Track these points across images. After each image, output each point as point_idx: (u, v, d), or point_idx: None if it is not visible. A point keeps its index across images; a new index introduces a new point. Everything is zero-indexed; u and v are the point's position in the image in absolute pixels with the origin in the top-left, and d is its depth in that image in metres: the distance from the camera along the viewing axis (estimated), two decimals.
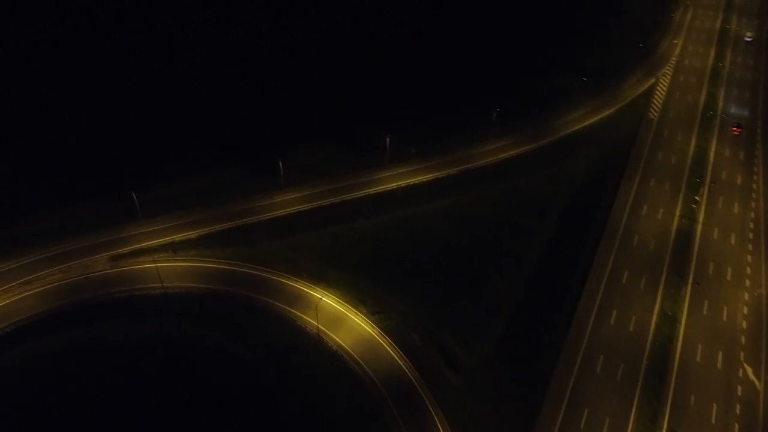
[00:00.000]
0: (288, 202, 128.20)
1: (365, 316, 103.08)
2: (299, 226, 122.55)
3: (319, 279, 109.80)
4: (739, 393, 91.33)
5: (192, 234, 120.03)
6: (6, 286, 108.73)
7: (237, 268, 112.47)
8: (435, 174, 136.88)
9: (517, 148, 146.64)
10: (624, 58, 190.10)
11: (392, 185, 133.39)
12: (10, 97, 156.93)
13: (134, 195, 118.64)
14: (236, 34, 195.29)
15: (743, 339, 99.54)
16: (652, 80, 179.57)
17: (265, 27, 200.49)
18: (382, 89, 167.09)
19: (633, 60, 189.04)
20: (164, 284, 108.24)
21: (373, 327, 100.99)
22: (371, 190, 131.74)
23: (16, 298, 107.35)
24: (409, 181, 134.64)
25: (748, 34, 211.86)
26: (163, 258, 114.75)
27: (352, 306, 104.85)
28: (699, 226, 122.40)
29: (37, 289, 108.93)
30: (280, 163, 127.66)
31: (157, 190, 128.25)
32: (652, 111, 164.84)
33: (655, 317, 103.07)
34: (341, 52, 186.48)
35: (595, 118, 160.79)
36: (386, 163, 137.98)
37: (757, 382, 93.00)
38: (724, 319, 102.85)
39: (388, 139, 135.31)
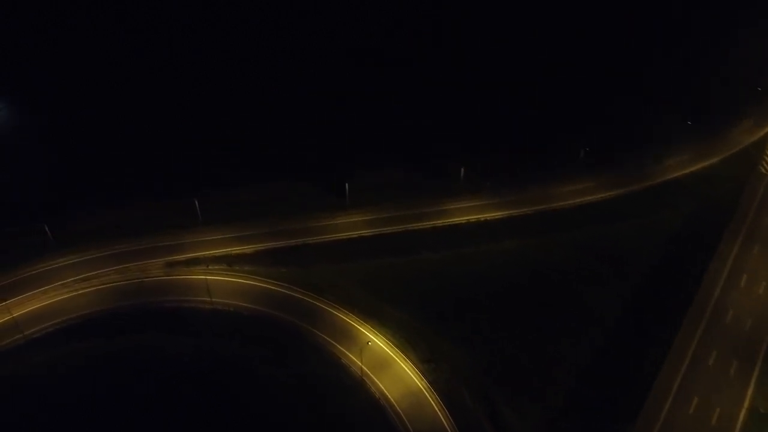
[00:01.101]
0: (350, 225, 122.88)
1: (414, 363, 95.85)
2: (358, 253, 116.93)
3: (371, 314, 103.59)
4: None
5: (248, 249, 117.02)
6: (64, 281, 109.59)
7: (288, 292, 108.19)
8: (509, 211, 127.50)
9: (604, 191, 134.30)
10: (735, 99, 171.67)
11: (462, 218, 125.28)
12: (81, 95, 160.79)
13: (197, 202, 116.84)
14: (311, 50, 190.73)
15: None
16: None
17: (337, 44, 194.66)
18: (463, 111, 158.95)
19: (746, 103, 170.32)
20: (213, 299, 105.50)
21: (422, 378, 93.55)
22: (439, 222, 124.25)
23: (73, 294, 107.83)
24: (480, 216, 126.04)
25: None
26: (216, 270, 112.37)
27: (401, 350, 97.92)
28: None
29: (94, 288, 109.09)
30: (347, 185, 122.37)
31: (217, 198, 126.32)
32: (765, 165, 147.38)
33: (743, 413, 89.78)
34: (423, 71, 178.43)
35: (697, 166, 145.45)
36: (458, 194, 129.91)
37: None
38: None
39: (462, 169, 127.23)
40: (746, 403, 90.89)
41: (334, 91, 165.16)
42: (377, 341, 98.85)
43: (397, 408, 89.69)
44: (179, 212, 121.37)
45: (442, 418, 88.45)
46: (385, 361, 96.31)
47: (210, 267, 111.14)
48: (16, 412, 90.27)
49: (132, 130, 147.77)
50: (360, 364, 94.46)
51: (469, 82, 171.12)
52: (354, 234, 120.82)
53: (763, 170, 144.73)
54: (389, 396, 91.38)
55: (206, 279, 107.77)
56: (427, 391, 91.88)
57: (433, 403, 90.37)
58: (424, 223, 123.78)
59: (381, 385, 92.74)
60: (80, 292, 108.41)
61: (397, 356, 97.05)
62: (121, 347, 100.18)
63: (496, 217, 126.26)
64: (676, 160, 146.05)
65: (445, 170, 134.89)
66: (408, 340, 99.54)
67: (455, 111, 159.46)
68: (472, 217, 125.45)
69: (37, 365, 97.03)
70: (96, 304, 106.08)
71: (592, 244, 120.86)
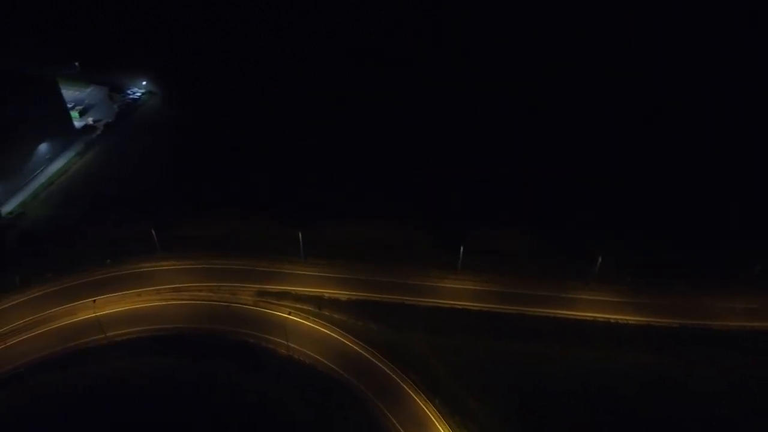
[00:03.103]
0: (457, 293, 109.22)
1: None
2: (458, 327, 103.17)
3: (455, 409, 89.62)
4: None
5: (343, 294, 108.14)
6: (157, 287, 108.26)
7: (370, 357, 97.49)
8: (648, 318, 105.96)
9: None
10: None
11: (588, 314, 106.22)
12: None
13: (300, 235, 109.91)
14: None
15: None
16: None
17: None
18: (608, 181, 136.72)
19: None
20: (291, 344, 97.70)
21: None
22: (560, 312, 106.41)
23: (162, 303, 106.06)
24: (611, 316, 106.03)
25: None
26: (304, 311, 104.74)
27: None
28: None
29: (183, 301, 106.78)
30: (462, 247, 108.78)
31: (325, 229, 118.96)
32: None
33: None
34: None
35: None
36: (590, 283, 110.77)
37: None
38: None
39: (600, 258, 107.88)
40: None
41: (473, 137, 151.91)
42: None
43: None
44: (285, 239, 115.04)
45: None
46: None
47: (295, 309, 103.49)
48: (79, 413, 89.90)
49: (265, 149, 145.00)
50: None
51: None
52: (458, 304, 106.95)
53: None
54: None
55: (288, 317, 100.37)
56: None
57: None
58: (543, 310, 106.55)
59: None
60: (170, 302, 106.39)
61: None
62: (192, 371, 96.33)
63: (631, 321, 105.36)
64: None
65: (579, 249, 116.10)
66: None
67: (605, 184, 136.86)
68: (601, 316, 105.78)
69: (110, 370, 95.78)
70: (181, 319, 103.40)
71: (752, 383, 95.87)
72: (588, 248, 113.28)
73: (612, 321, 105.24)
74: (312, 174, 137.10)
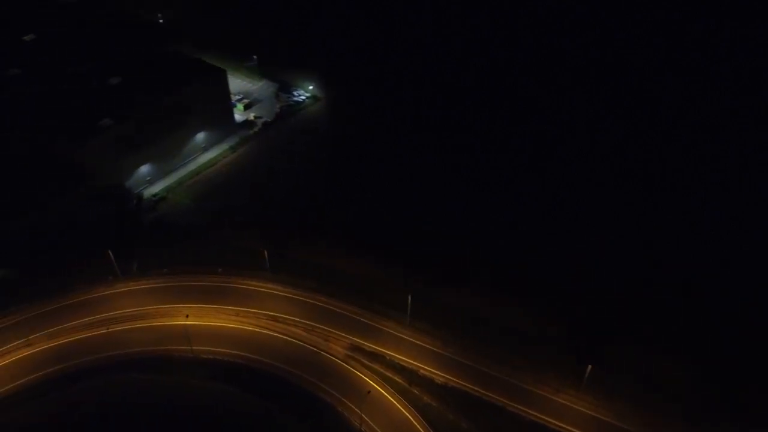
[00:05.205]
0: (573, 415, 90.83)
1: None
2: None
3: None
4: None
5: (439, 375, 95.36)
6: (256, 310, 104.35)
7: None
8: None
9: None
10: None
11: None
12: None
13: (410, 298, 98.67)
14: None
15: None
16: None
17: None
18: None
19: None
20: (363, 415, 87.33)
21: None
22: None
23: (257, 330, 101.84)
24: None
25: None
26: (392, 381, 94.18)
27: None
28: None
29: (276, 332, 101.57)
30: (589, 366, 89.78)
31: (441, 293, 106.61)
32: None
33: None
34: None
35: None
36: None
37: None
38: None
39: None
40: None
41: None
42: None
43: None
44: (395, 290, 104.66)
45: None
46: None
47: (384, 377, 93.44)
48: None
49: (412, 183, 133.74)
50: None
51: None
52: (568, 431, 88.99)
53: None
54: None
55: (369, 393, 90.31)
56: None
57: None
58: None
59: None
60: (263, 331, 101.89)
61: None
62: (254, 406, 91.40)
63: None
64: None
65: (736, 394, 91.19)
66: None
67: None
68: None
69: (181, 386, 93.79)
70: (268, 352, 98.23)
71: None
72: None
73: None
74: (450, 229, 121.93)
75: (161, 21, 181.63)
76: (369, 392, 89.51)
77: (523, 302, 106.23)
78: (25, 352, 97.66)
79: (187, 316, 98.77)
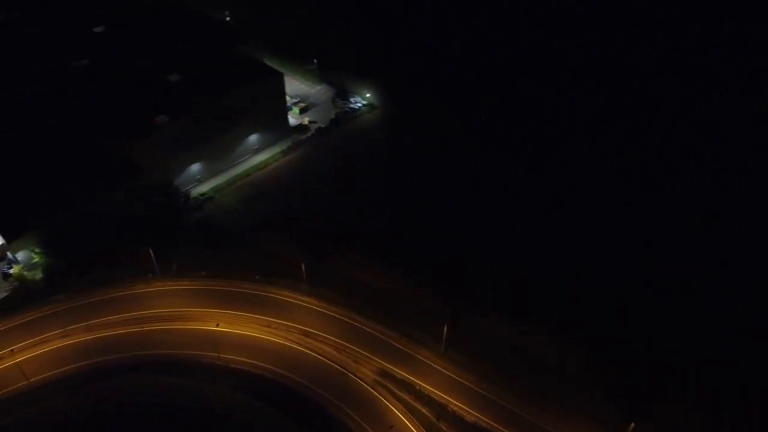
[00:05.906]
0: None
1: None
2: None
3: None
4: None
5: (469, 413, 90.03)
6: (288, 322, 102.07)
7: None
8: None
9: None
10: None
11: None
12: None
13: (446, 328, 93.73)
14: None
15: None
16: None
17: None
18: None
19: None
20: None
21: None
22: None
23: (286, 344, 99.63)
24: None
25: None
26: (419, 413, 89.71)
27: None
28: None
29: (305, 350, 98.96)
30: (632, 424, 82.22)
31: (480, 322, 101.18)
32: None
33: None
34: None
35: None
36: None
37: None
38: None
39: None
40: None
41: None
42: None
43: None
44: (435, 313, 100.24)
45: None
46: None
47: (411, 408, 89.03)
48: None
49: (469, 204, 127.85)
50: None
51: None
52: None
53: None
54: None
55: (394, 419, 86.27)
56: None
57: None
58: None
59: None
60: (292, 346, 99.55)
61: None
62: (271, 420, 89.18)
63: None
64: None
65: None
66: None
67: None
68: None
69: (207, 395, 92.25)
70: (296, 369, 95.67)
71: None
72: None
73: None
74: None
75: (228, 19, 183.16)
76: (392, 427, 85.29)
77: (573, 340, 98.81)
78: (61, 343, 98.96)
79: (218, 324, 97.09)
